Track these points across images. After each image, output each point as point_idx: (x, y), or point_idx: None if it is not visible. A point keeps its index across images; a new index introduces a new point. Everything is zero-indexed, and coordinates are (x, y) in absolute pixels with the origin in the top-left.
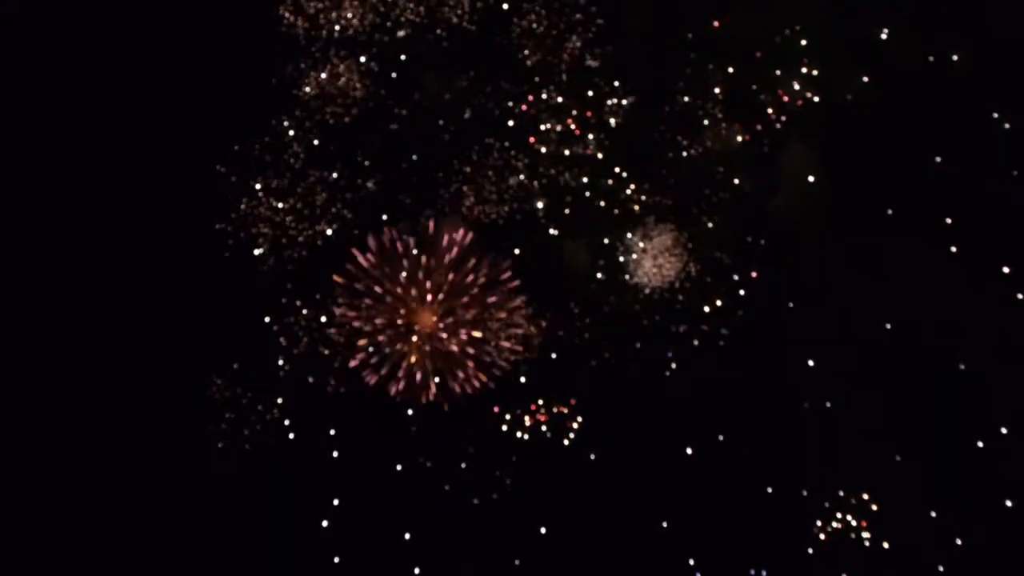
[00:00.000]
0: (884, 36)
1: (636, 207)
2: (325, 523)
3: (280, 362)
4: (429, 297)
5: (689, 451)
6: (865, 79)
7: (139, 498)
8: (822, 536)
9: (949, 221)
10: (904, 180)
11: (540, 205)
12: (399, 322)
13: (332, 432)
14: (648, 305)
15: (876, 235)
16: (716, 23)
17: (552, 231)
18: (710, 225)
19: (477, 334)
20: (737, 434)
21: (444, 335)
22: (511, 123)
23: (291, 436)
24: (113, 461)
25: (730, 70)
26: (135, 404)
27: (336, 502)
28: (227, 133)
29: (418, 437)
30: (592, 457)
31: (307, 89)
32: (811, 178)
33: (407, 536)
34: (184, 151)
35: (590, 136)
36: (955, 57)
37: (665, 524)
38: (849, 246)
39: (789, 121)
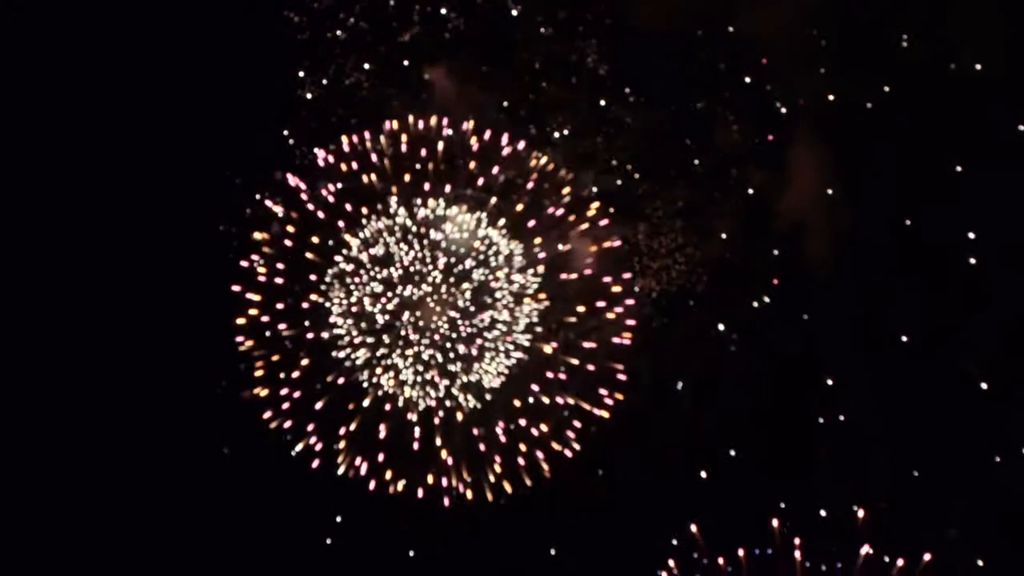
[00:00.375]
0: (904, 43)
1: (645, 208)
2: (329, 540)
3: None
4: (439, 266)
5: (703, 471)
6: (878, 79)
7: (140, 500)
8: (835, 550)
9: (972, 236)
10: (921, 186)
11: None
12: (377, 319)
13: (336, 446)
14: (655, 308)
15: (890, 241)
16: (728, 23)
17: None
18: (719, 228)
19: (547, 349)
20: (749, 447)
21: (471, 347)
22: (517, 122)
23: (294, 449)
24: (115, 463)
25: (741, 70)
26: (137, 406)
27: (339, 519)
28: (230, 135)
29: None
30: (600, 472)
31: (309, 95)
32: (822, 179)
33: (411, 553)
34: (187, 152)
35: (598, 138)
36: (978, 66)
37: (675, 541)
38: (863, 252)
39: (801, 122)
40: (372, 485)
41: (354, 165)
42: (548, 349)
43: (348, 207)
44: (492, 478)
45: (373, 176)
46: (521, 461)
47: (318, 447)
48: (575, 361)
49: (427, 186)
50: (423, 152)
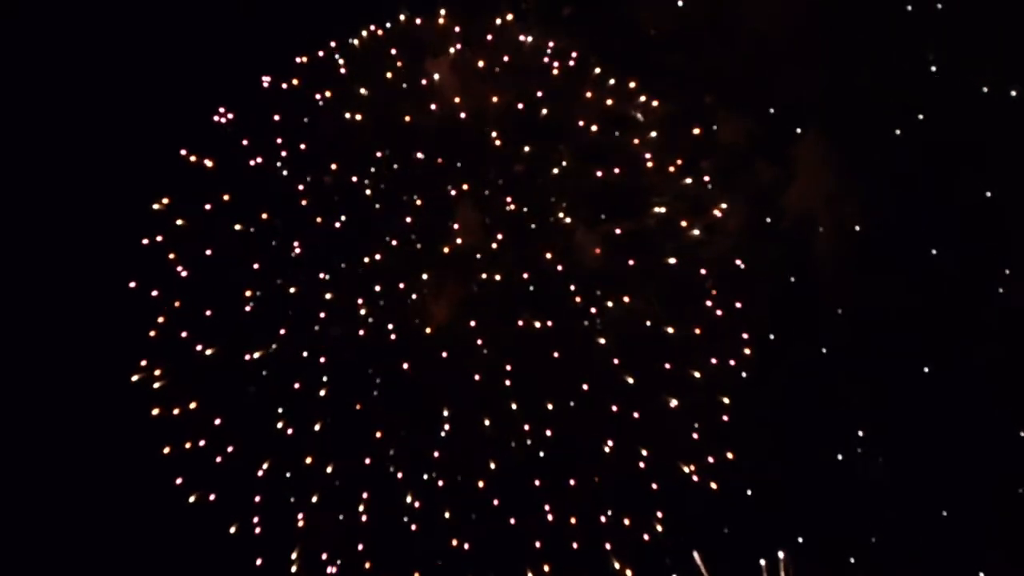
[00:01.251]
0: (925, 51)
1: (650, 208)
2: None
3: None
4: (448, 249)
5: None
6: (890, 79)
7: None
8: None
9: (1005, 269)
10: (938, 193)
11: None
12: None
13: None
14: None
15: (900, 247)
16: (735, 20)
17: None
18: (726, 227)
19: (629, 380)
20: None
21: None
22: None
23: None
24: (114, 466)
25: (748, 68)
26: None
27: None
28: (229, 135)
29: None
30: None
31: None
32: (831, 179)
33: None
34: (183, 152)
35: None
36: (1013, 92)
37: None
38: (876, 258)
39: (809, 122)
40: None
41: (317, 94)
42: (629, 379)
43: (303, 150)
44: None
45: (348, 114)
46: (575, 545)
47: (258, 531)
48: (674, 403)
49: (433, 106)
50: (423, 82)
